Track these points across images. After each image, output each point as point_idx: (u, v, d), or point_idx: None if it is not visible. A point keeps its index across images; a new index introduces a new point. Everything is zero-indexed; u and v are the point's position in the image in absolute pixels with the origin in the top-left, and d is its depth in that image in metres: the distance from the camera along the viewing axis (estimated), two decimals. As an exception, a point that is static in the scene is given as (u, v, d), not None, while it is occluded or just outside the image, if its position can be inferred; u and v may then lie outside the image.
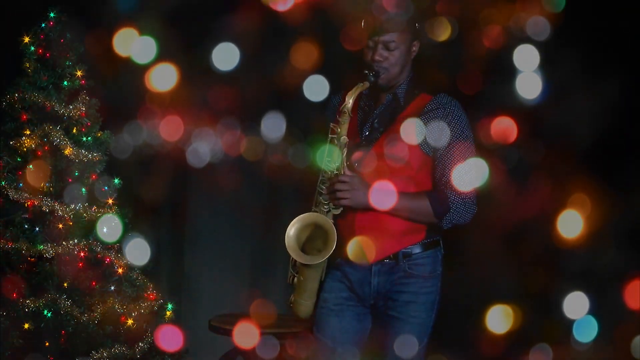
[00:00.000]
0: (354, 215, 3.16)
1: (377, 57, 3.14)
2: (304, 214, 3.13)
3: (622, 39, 4.15)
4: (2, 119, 4.26)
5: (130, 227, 4.26)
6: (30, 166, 4.11)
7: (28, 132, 4.18)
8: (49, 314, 4.07)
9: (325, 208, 3.13)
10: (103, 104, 4.33)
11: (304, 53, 4.62)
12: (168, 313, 4.38)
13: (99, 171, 4.31)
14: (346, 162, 3.10)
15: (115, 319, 4.19)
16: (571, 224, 4.09)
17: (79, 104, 4.25)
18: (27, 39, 4.23)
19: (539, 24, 4.17)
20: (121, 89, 4.54)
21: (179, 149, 4.66)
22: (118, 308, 4.19)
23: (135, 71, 4.46)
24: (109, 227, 4.16)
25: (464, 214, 3.16)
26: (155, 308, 4.33)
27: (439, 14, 4.30)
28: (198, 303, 5.23)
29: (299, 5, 4.32)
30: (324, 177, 3.12)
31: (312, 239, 3.14)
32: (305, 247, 3.14)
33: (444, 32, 4.31)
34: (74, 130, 4.26)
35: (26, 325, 4.05)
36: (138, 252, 4.20)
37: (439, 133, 3.14)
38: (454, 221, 3.16)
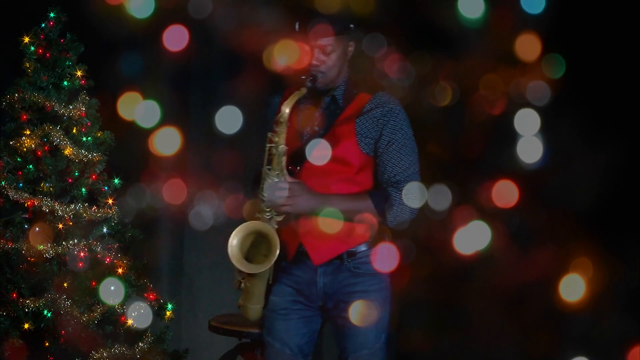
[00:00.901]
0: (297, 219, 3.15)
1: (314, 62, 3.11)
2: (245, 223, 3.11)
3: (622, 104, 4.19)
4: (2, 119, 4.26)
5: (133, 289, 4.25)
6: (36, 229, 4.11)
7: (28, 132, 4.16)
8: (49, 314, 4.03)
9: (267, 215, 3.10)
10: (107, 167, 4.35)
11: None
12: (168, 313, 4.33)
13: (98, 171, 4.29)
14: (286, 169, 3.10)
15: (115, 319, 4.17)
16: (573, 288, 4.09)
17: (79, 104, 4.24)
18: (27, 39, 4.22)
19: (539, 90, 4.21)
20: (125, 153, 4.57)
21: (182, 212, 4.68)
22: (118, 308, 4.16)
23: (139, 135, 4.49)
24: (111, 289, 4.15)
25: (408, 212, 3.14)
26: (155, 308, 4.29)
27: (440, 80, 4.35)
28: (198, 303, 5.20)
29: (302, 68, 4.36)
30: (264, 184, 3.11)
31: (256, 245, 3.13)
32: (249, 254, 3.13)
33: (445, 98, 4.36)
34: (74, 130, 4.24)
35: (26, 325, 4.00)
36: (140, 315, 4.19)
37: (378, 132, 3.12)
38: (399, 219, 3.14)
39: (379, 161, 3.14)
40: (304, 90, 3.10)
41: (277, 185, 3.06)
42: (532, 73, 4.22)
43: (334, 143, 3.12)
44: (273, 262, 3.06)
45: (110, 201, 4.26)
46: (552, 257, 4.17)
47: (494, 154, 4.31)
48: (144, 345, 4.21)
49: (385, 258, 3.20)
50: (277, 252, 3.05)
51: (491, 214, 4.23)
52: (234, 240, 3.09)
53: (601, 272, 4.08)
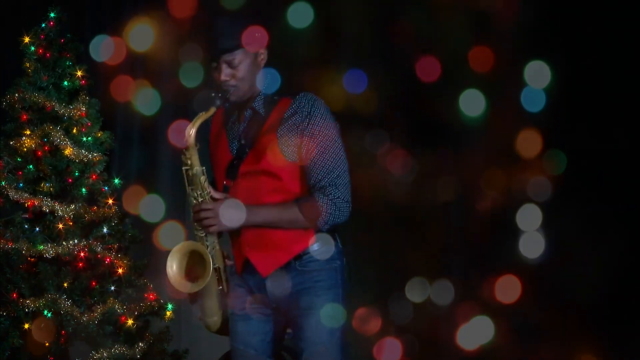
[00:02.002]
0: (238, 233, 3.09)
1: (223, 77, 3.04)
2: (179, 245, 3.09)
3: (623, 200, 4.23)
4: (2, 119, 4.26)
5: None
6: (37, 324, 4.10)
7: (28, 132, 4.17)
8: (49, 314, 4.00)
9: (201, 233, 3.08)
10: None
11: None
12: (168, 313, 4.30)
13: (99, 171, 4.29)
14: (208, 189, 3.03)
15: (115, 319, 4.13)
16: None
17: (79, 104, 4.26)
18: (27, 39, 4.26)
19: (540, 185, 4.25)
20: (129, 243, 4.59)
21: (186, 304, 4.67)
22: (118, 308, 4.12)
23: (143, 228, 4.51)
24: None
25: (338, 215, 3.03)
26: (156, 308, 4.26)
27: (442, 176, 4.40)
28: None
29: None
30: (191, 204, 3.07)
31: (195, 263, 3.11)
32: (194, 270, 3.10)
33: (447, 193, 4.39)
34: (74, 130, 4.25)
35: (26, 325, 3.97)
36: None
37: (301, 139, 3.04)
38: (330, 222, 3.04)
39: (305, 167, 3.06)
40: (212, 110, 3.03)
41: (201, 206, 3.06)
42: (534, 169, 4.26)
43: (260, 155, 3.07)
44: (207, 280, 3.05)
45: (110, 201, 4.26)
46: (556, 352, 4.16)
47: (496, 249, 4.33)
48: (144, 345, 4.18)
49: (336, 255, 3.13)
50: (210, 270, 3.03)
51: (494, 309, 4.23)
52: (173, 264, 3.09)
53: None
